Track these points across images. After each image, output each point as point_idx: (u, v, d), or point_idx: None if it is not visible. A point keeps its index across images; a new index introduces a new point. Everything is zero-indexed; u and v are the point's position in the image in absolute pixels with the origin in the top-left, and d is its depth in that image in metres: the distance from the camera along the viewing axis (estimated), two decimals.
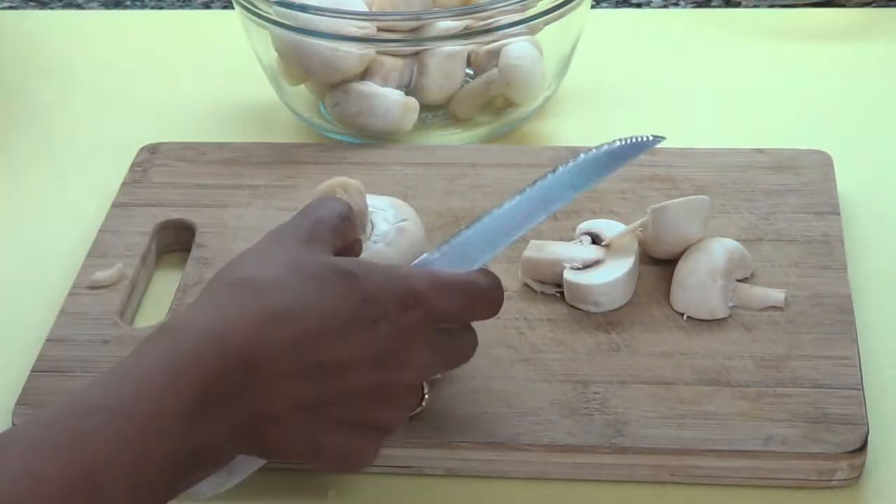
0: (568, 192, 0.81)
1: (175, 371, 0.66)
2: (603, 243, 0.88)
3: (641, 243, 0.89)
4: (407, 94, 1.04)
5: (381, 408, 0.71)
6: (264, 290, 0.70)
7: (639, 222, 0.88)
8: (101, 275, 0.91)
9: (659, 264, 0.89)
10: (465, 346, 0.76)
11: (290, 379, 0.69)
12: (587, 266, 0.87)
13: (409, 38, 1.02)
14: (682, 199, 0.88)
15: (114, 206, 0.98)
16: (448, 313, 0.74)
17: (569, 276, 0.87)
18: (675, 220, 0.87)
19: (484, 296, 0.75)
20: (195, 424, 0.66)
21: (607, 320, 0.86)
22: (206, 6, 1.27)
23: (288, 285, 0.70)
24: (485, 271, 0.77)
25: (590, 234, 0.89)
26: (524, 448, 0.79)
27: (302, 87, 1.06)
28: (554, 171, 0.81)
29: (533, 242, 0.89)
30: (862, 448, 0.77)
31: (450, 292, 0.74)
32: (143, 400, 0.65)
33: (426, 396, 0.78)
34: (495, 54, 1.04)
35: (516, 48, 1.03)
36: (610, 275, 0.86)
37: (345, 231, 0.76)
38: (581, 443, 0.78)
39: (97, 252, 0.94)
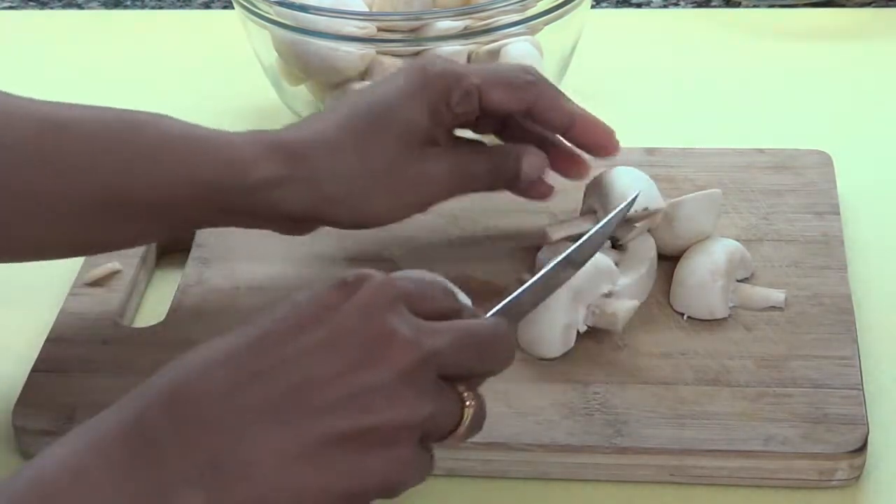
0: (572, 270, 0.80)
1: (95, 435, 0.63)
2: (619, 243, 0.88)
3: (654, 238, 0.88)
4: None
5: (376, 405, 0.63)
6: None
7: (647, 220, 0.87)
8: (94, 272, 0.91)
9: (660, 264, 0.89)
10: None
11: (236, 400, 0.62)
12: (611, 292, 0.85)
13: (409, 38, 1.02)
14: (697, 192, 0.88)
15: None
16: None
17: (598, 302, 0.84)
18: (691, 215, 0.87)
19: (488, 341, 0.68)
20: (129, 479, 0.61)
21: None
22: (206, 6, 1.27)
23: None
24: (497, 320, 0.70)
25: (609, 237, 0.88)
26: (524, 448, 0.78)
27: (302, 87, 1.06)
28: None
29: (547, 247, 0.88)
30: (862, 448, 0.77)
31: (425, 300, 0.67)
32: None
33: (465, 398, 0.67)
34: (495, 54, 1.04)
35: (516, 48, 1.03)
36: (625, 287, 0.85)
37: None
38: (581, 443, 0.78)
39: None
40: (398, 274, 0.69)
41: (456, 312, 0.68)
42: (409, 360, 0.64)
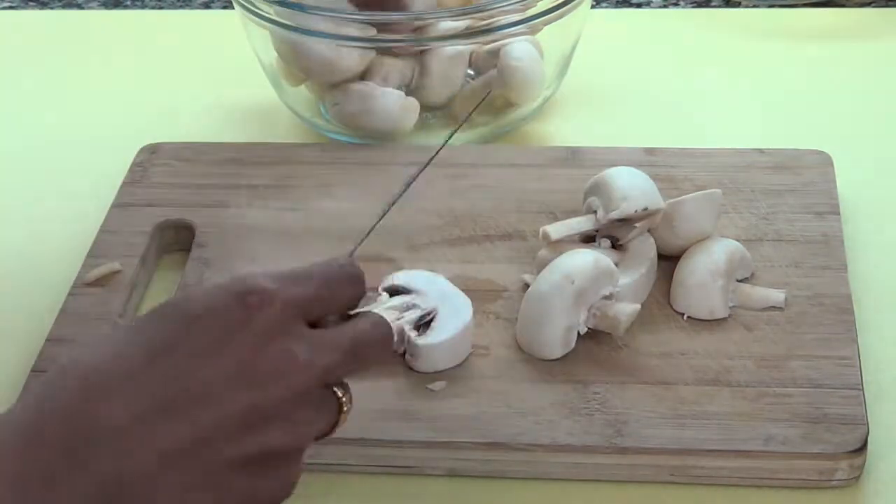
0: None
1: None
2: (619, 243, 0.88)
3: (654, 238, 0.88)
4: (407, 94, 1.04)
5: (275, 430, 0.64)
6: (86, 359, 0.64)
7: (647, 220, 0.87)
8: (94, 272, 0.91)
9: (660, 264, 0.89)
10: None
11: (137, 425, 0.61)
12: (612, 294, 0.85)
13: (410, 38, 1.02)
14: (698, 192, 0.88)
15: (114, 206, 0.98)
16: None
17: (600, 305, 0.84)
18: (691, 215, 0.87)
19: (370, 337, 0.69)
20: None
21: None
22: (206, 6, 1.27)
23: (120, 341, 0.64)
24: (370, 316, 0.71)
25: (609, 237, 0.88)
26: (524, 448, 0.78)
27: (302, 87, 1.06)
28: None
29: (547, 247, 0.88)
30: (862, 448, 0.77)
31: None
32: None
33: (343, 402, 0.68)
34: (496, 54, 1.04)
35: (516, 48, 1.03)
36: (625, 287, 0.85)
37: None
38: (581, 443, 0.78)
39: (97, 252, 0.94)
40: (303, 271, 0.68)
41: (358, 297, 0.70)
42: (307, 384, 0.65)
